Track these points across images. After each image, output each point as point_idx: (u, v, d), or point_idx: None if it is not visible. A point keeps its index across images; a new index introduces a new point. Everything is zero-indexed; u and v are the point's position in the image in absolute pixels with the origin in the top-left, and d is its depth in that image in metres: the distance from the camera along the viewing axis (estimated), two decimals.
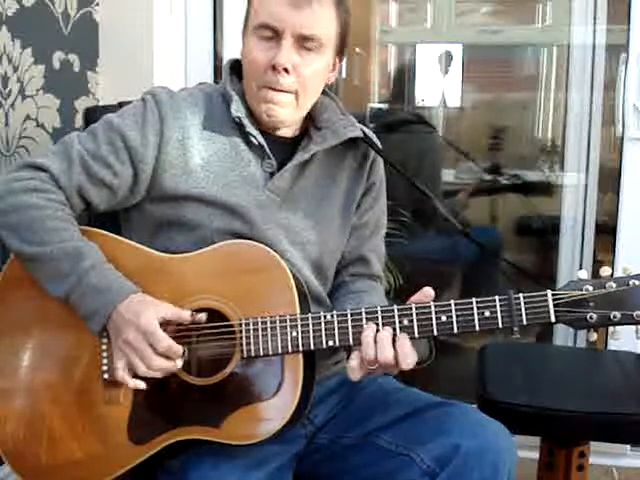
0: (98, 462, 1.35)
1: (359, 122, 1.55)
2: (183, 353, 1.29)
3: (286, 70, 1.35)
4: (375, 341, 1.25)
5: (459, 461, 1.29)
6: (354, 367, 1.27)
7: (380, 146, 1.56)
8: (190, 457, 1.33)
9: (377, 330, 1.26)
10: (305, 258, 1.45)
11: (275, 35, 1.35)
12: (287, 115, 1.40)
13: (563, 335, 2.72)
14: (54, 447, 1.36)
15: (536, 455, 1.96)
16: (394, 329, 1.26)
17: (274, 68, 1.35)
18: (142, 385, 1.30)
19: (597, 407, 1.78)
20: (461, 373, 2.61)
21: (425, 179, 2.77)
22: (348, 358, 1.36)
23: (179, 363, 1.29)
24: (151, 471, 1.38)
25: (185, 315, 1.29)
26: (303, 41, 1.36)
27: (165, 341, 1.26)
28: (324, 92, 1.51)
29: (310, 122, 1.49)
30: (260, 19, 1.36)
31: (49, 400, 1.37)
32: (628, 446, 2.49)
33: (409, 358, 1.24)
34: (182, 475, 1.32)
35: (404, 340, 1.25)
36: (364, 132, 1.52)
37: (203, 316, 1.30)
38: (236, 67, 1.48)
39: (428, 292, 1.28)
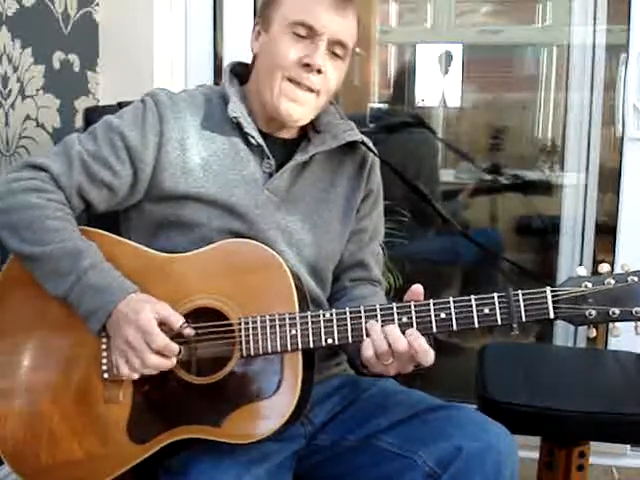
0: (98, 461, 1.35)
1: (358, 123, 1.56)
2: (179, 352, 1.29)
3: (319, 71, 1.37)
4: (385, 334, 1.24)
5: (461, 463, 1.29)
6: (370, 357, 1.25)
7: (376, 151, 1.56)
8: (190, 455, 1.33)
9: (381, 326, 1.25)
10: (301, 260, 1.45)
11: (310, 35, 1.37)
12: (304, 114, 1.42)
13: (563, 335, 2.72)
14: (54, 447, 1.36)
15: (536, 455, 1.96)
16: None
17: (307, 66, 1.37)
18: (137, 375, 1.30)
19: (597, 407, 1.78)
20: (461, 373, 2.61)
21: (424, 181, 2.77)
22: (348, 361, 1.37)
23: (173, 361, 1.29)
24: (152, 470, 1.38)
25: (175, 323, 1.29)
26: (335, 46, 1.39)
27: (161, 340, 1.26)
28: None
29: (309, 125, 1.50)
30: (299, 17, 1.37)
31: (49, 400, 1.37)
32: (628, 446, 2.49)
33: (422, 345, 1.23)
34: (182, 473, 1.32)
35: (415, 333, 1.24)
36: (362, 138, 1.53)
37: (191, 332, 1.30)
38: (236, 70, 1.49)
39: (417, 289, 1.27)
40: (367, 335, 1.26)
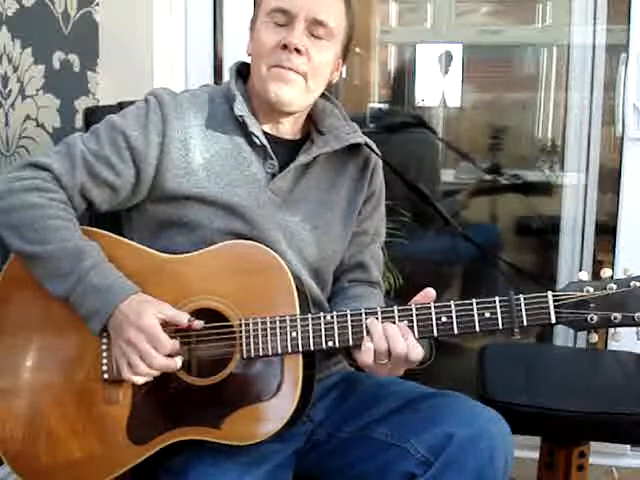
0: (98, 462, 1.35)
1: (359, 123, 1.56)
2: (182, 352, 1.29)
3: (297, 50, 1.37)
4: (386, 335, 1.25)
5: (453, 449, 1.29)
6: (368, 359, 1.26)
7: (379, 152, 1.56)
8: (190, 455, 1.33)
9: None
10: (302, 261, 1.45)
11: (288, 20, 1.38)
12: (295, 97, 1.40)
13: (563, 335, 2.72)
14: (54, 447, 1.36)
15: (536, 455, 1.96)
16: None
17: (285, 47, 1.37)
18: (143, 381, 1.30)
19: (597, 407, 1.78)
20: (461, 373, 2.61)
21: (424, 181, 2.78)
22: (349, 358, 1.37)
23: (179, 362, 1.29)
24: (152, 470, 1.38)
25: (183, 320, 1.29)
26: (315, 27, 1.39)
27: (168, 343, 1.27)
28: (327, 98, 1.52)
29: (313, 126, 1.50)
30: (274, 3, 1.39)
31: (49, 400, 1.37)
32: (628, 446, 2.49)
33: (417, 349, 1.25)
34: (182, 474, 1.32)
35: (410, 334, 1.25)
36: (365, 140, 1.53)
37: (200, 323, 1.30)
38: (241, 70, 1.49)
39: (430, 293, 1.28)
40: (367, 333, 1.27)
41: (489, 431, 1.31)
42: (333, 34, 1.41)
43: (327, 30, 1.40)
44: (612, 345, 2.24)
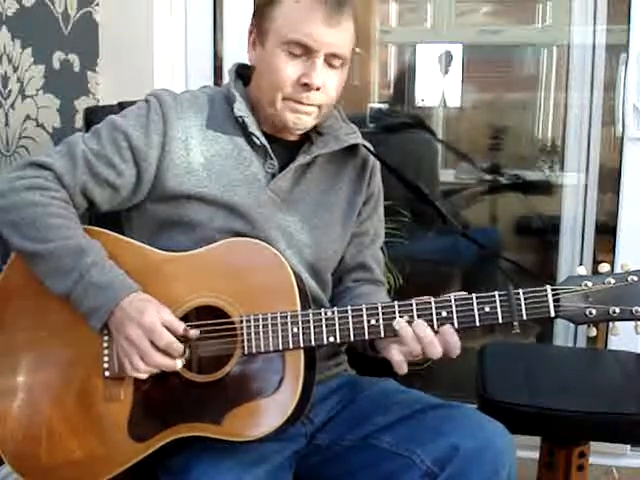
0: (98, 460, 1.35)
1: (358, 124, 1.56)
2: (184, 352, 1.29)
3: (318, 89, 1.37)
4: (417, 337, 1.25)
5: (458, 462, 1.29)
6: (401, 362, 1.27)
7: (378, 155, 1.56)
8: (190, 455, 1.33)
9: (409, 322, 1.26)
10: (301, 260, 1.46)
11: (306, 53, 1.36)
12: (311, 123, 1.43)
13: (563, 335, 2.72)
14: (54, 446, 1.36)
15: (536, 455, 1.95)
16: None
17: (305, 85, 1.37)
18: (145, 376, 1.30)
19: (597, 407, 1.78)
20: (461, 373, 2.61)
21: (423, 182, 2.77)
22: (349, 359, 1.37)
23: (179, 363, 1.29)
24: (152, 470, 1.38)
25: (178, 328, 1.29)
26: (332, 59, 1.38)
27: (166, 338, 1.27)
28: None
29: (312, 127, 1.50)
30: (292, 36, 1.36)
31: (49, 399, 1.37)
32: (628, 446, 2.49)
33: (457, 347, 1.26)
34: (182, 473, 1.32)
35: (447, 330, 1.25)
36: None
37: (196, 333, 1.30)
38: (240, 71, 1.50)
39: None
40: (394, 336, 1.27)
41: (494, 444, 1.31)
42: (346, 61, 1.41)
43: (342, 60, 1.40)
44: (611, 339, 2.24)
